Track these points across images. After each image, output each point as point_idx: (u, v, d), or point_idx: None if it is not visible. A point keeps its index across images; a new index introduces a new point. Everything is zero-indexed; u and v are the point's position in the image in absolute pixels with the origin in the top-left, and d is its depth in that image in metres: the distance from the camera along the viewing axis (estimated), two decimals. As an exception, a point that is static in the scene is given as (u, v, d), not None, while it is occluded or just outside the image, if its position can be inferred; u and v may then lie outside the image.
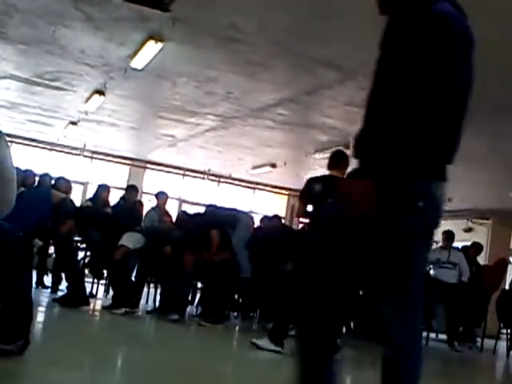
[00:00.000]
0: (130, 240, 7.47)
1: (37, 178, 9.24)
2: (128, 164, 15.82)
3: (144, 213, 9.97)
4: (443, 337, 9.84)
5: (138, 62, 7.93)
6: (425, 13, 2.05)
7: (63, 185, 8.73)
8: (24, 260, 3.73)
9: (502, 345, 9.90)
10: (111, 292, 8.09)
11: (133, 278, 7.92)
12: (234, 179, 16.45)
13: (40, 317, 6.16)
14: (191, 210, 11.02)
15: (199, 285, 9.09)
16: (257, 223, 9.39)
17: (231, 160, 14.30)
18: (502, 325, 9.71)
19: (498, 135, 9.00)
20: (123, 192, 10.06)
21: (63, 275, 8.10)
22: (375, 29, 2.29)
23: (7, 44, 8.28)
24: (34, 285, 6.15)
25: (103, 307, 7.65)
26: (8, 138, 4.10)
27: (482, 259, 11.23)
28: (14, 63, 9.18)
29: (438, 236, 13.97)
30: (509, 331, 9.65)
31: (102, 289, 9.59)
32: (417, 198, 2.02)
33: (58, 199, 7.29)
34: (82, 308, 7.04)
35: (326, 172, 6.08)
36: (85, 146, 14.68)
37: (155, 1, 6.31)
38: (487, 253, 13.05)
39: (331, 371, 2.16)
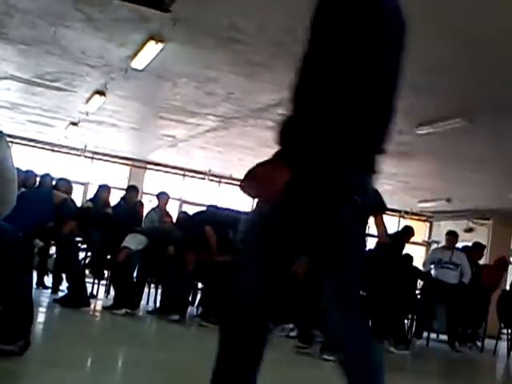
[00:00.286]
0: (133, 241, 7.46)
1: (38, 179, 9.25)
2: (128, 164, 15.82)
3: (144, 213, 9.98)
4: (444, 337, 9.83)
5: (139, 62, 7.93)
6: None
7: (64, 185, 8.74)
8: (24, 260, 3.72)
9: (503, 345, 9.89)
10: (112, 292, 8.09)
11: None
12: (235, 179, 16.44)
13: (40, 317, 6.16)
14: (192, 210, 11.00)
15: (200, 285, 9.09)
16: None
17: (232, 160, 14.28)
18: (502, 325, 9.71)
19: (498, 135, 8.98)
20: (124, 192, 10.08)
21: (64, 276, 8.12)
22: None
23: (8, 44, 8.28)
24: (34, 285, 6.16)
25: (104, 308, 7.64)
26: (9, 139, 4.09)
27: (482, 259, 11.21)
28: (15, 64, 9.19)
29: (441, 237, 14.02)
30: (509, 331, 9.65)
31: (102, 289, 9.58)
32: (352, 191, 2.00)
33: (60, 200, 7.27)
34: (83, 308, 7.02)
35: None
36: (85, 146, 14.69)
37: (155, 1, 6.31)
38: (488, 253, 13.04)
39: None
